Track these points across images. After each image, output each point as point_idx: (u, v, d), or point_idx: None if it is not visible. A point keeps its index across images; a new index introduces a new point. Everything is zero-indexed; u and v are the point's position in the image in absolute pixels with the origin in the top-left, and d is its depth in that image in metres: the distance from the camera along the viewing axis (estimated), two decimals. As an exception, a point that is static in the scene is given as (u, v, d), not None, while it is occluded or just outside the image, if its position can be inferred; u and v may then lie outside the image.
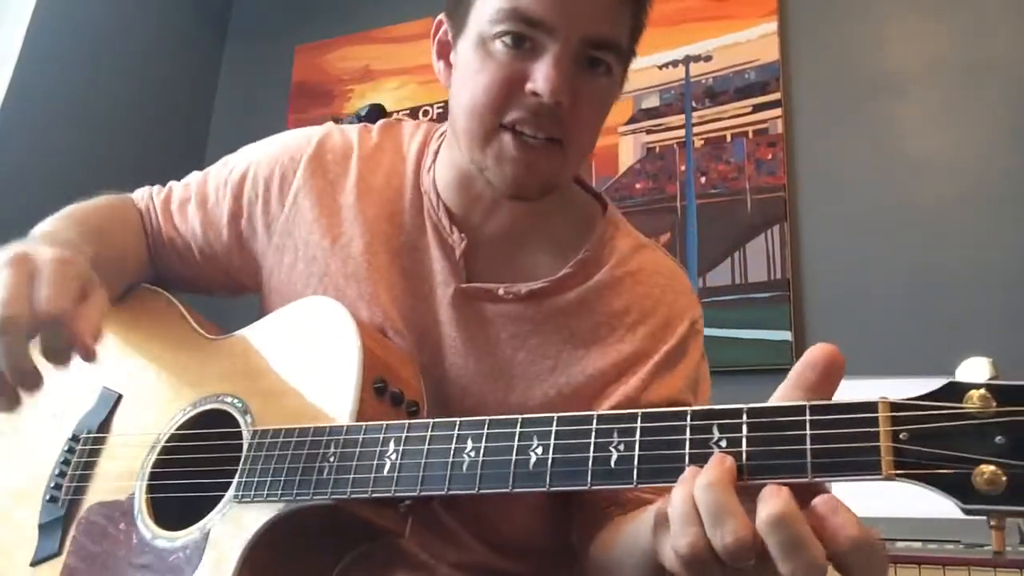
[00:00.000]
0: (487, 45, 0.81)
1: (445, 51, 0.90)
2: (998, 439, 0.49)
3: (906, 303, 2.11)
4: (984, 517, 0.51)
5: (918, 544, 1.51)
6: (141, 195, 1.08)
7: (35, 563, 0.86)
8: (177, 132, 3.09)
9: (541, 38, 0.79)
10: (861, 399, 0.54)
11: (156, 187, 1.09)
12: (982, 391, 0.50)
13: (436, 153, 0.95)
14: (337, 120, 1.99)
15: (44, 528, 0.88)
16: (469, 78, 0.83)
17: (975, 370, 0.52)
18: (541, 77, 0.78)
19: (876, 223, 2.21)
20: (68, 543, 0.85)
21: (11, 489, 0.94)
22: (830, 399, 0.56)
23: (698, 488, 0.54)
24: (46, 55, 2.63)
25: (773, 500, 0.51)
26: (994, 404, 0.50)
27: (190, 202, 1.03)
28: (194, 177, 1.07)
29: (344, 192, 0.95)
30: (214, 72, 3.34)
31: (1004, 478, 0.48)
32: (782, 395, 0.57)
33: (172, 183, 1.08)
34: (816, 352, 0.56)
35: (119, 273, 0.98)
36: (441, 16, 0.91)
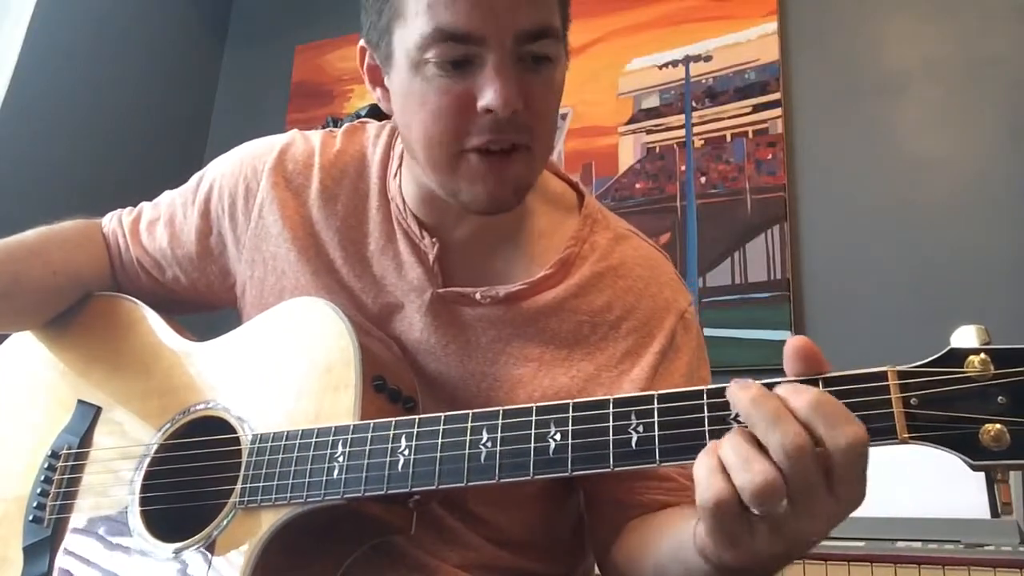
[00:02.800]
0: (422, 71, 0.77)
1: (377, 77, 0.86)
2: (1000, 399, 0.53)
3: (906, 303, 2.11)
4: (991, 516, 0.53)
5: (918, 544, 1.51)
6: (109, 218, 1.08)
7: None
8: (177, 132, 3.09)
9: (475, 51, 0.75)
10: (868, 369, 0.57)
11: (127, 209, 1.08)
12: (981, 355, 0.55)
13: (401, 157, 0.92)
14: (336, 120, 1.99)
15: (30, 550, 0.85)
16: (414, 108, 0.79)
17: (967, 337, 0.56)
18: (490, 92, 0.74)
19: (876, 223, 2.20)
20: (57, 563, 0.84)
21: None
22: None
23: (722, 445, 0.55)
24: (46, 55, 2.62)
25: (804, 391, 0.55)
26: (992, 367, 0.54)
27: (159, 221, 1.02)
28: (165, 197, 1.06)
29: (308, 202, 0.93)
30: (214, 72, 3.34)
31: (1008, 435, 0.52)
32: None
33: (143, 204, 1.08)
34: (792, 344, 0.59)
35: (45, 292, 0.99)
36: (362, 42, 0.87)
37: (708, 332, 2.25)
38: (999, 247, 2.07)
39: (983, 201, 2.12)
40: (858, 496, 0.55)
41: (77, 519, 0.85)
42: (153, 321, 0.97)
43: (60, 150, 2.61)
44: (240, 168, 0.97)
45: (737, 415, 0.58)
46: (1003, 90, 2.19)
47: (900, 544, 1.51)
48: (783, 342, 2.19)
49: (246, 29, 3.39)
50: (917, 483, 1.59)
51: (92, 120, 2.76)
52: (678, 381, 0.87)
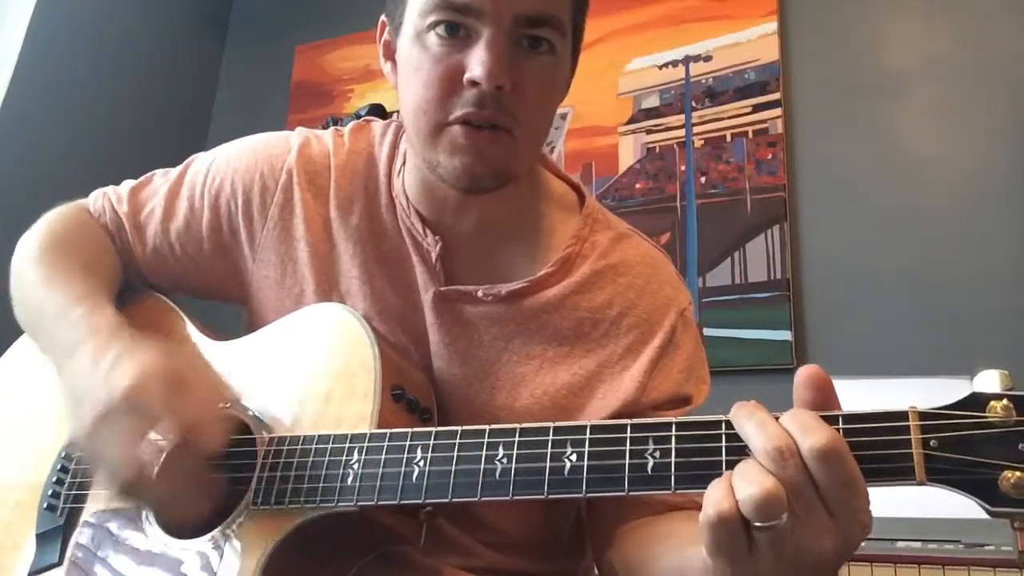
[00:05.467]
0: (422, 39, 0.80)
1: (390, 52, 0.89)
2: (1021, 446, 0.53)
3: (906, 303, 2.11)
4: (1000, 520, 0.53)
5: (918, 544, 1.51)
6: (99, 208, 1.01)
7: (34, 573, 0.84)
8: (177, 132, 3.09)
9: (473, 24, 0.77)
10: (889, 407, 0.56)
11: (112, 194, 1.01)
12: (1004, 401, 0.54)
13: (405, 155, 0.93)
14: (336, 120, 1.99)
15: (42, 537, 0.86)
16: (410, 76, 0.82)
17: (990, 382, 0.55)
18: (476, 63, 0.76)
19: (876, 223, 2.20)
20: (69, 552, 0.84)
21: (5, 498, 0.92)
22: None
23: (734, 470, 0.55)
24: (46, 55, 2.62)
25: (821, 431, 0.54)
26: (1015, 414, 0.53)
27: (158, 214, 0.98)
28: (161, 182, 1.00)
29: (327, 204, 0.93)
30: (214, 72, 3.34)
31: None
32: None
33: (130, 186, 1.01)
34: (804, 372, 0.58)
35: (114, 288, 0.95)
36: (383, 17, 0.89)
37: (708, 332, 2.25)
38: (999, 247, 2.07)
39: (983, 201, 2.12)
40: (854, 515, 0.54)
41: (90, 510, 0.86)
42: (176, 318, 0.96)
43: (59, 150, 2.61)
44: (255, 165, 0.95)
45: None
46: (1003, 90, 2.19)
47: (900, 544, 1.51)
48: (783, 342, 2.19)
49: (246, 29, 3.39)
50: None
51: (92, 120, 2.76)
52: (676, 376, 0.87)
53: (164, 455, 0.73)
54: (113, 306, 0.87)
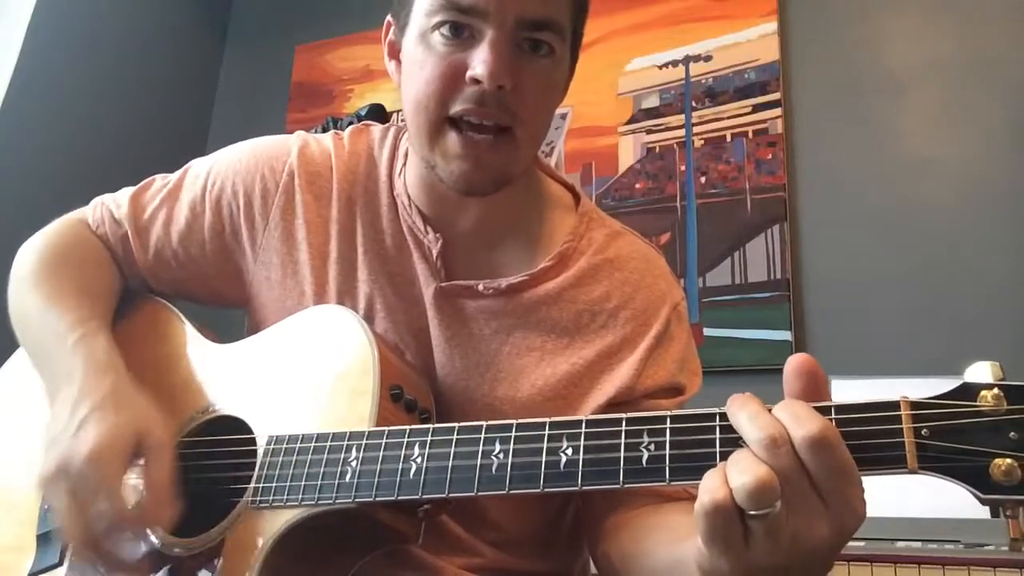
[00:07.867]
0: (427, 38, 0.82)
1: (394, 51, 0.91)
2: (1012, 434, 0.53)
3: (906, 303, 2.11)
4: (990, 516, 0.53)
5: (918, 544, 1.51)
6: (98, 218, 1.01)
7: (34, 574, 0.84)
8: (177, 132, 3.09)
9: (477, 24, 0.80)
10: (880, 398, 0.57)
11: (111, 201, 1.01)
12: (995, 391, 0.54)
13: (406, 155, 0.95)
14: (336, 120, 1.99)
15: (43, 538, 0.86)
16: (414, 74, 0.84)
17: (982, 373, 0.56)
18: (479, 62, 0.79)
19: (876, 223, 2.21)
20: (69, 553, 0.84)
21: (7, 498, 0.92)
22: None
23: (728, 460, 0.56)
24: (46, 55, 2.63)
25: (813, 420, 0.54)
26: (1006, 403, 0.54)
27: (160, 217, 0.98)
28: (161, 187, 1.00)
29: (329, 205, 0.94)
30: (214, 72, 3.34)
31: (1019, 470, 0.53)
32: None
33: (130, 192, 1.01)
34: (794, 362, 0.59)
35: (111, 310, 0.96)
36: (389, 17, 0.91)
37: (708, 332, 2.25)
38: (998, 246, 2.07)
39: (983, 200, 2.12)
40: (847, 503, 0.54)
41: None
42: (175, 321, 0.97)
43: (59, 151, 2.61)
44: (257, 167, 0.96)
45: None
46: (1003, 90, 2.19)
47: (900, 544, 1.52)
48: (783, 342, 2.20)
49: (246, 29, 3.40)
50: (917, 483, 1.59)
51: (91, 121, 2.76)
52: (671, 366, 0.89)
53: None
54: (108, 329, 0.89)
